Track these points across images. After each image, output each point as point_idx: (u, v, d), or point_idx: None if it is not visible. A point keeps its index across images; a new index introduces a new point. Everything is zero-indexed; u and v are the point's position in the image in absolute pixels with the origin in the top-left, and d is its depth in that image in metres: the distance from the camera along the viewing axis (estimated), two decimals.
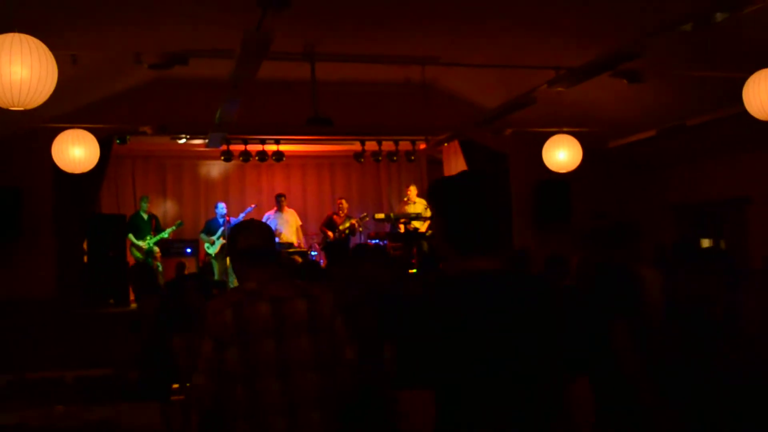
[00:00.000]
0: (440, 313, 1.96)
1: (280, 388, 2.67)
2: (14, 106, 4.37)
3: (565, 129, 8.49)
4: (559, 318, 2.01)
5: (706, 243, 10.63)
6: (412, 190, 12.27)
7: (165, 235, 11.31)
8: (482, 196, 2.06)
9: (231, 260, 3.30)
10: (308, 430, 2.69)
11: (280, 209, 12.13)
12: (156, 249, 11.08)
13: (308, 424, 2.69)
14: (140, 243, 10.98)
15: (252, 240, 2.94)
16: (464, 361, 1.92)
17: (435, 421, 1.92)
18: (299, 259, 9.22)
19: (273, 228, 11.19)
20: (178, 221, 11.86)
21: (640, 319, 3.70)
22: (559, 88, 6.95)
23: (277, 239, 11.77)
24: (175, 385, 4.22)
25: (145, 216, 11.33)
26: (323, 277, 5.49)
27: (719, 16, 4.88)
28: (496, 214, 2.07)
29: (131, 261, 10.80)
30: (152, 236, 11.14)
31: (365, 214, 12.30)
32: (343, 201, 12.40)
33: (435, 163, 13.82)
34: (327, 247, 11.59)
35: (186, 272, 9.85)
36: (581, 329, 2.05)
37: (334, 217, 12.13)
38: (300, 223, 12.43)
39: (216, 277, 11.27)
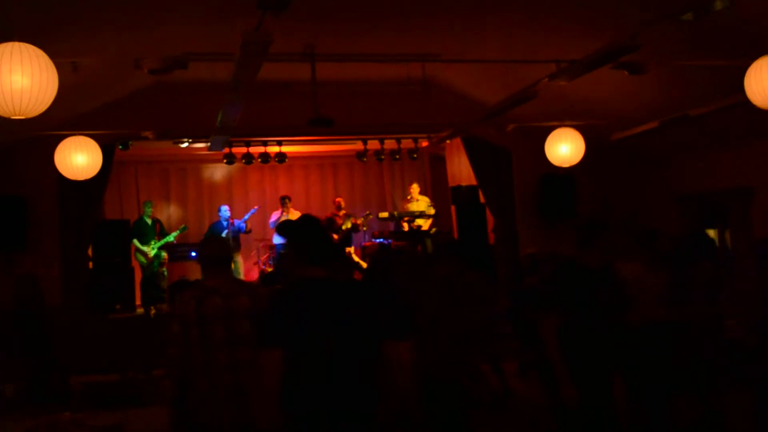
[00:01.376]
0: (284, 301, 3.18)
1: (227, 356, 3.73)
2: (15, 115, 4.37)
3: (567, 122, 8.45)
4: (360, 305, 3.15)
5: (711, 234, 10.60)
6: (415, 188, 12.26)
7: (170, 239, 11.31)
8: (312, 231, 3.30)
9: (199, 264, 4.41)
10: (245, 383, 3.72)
11: (285, 211, 12.12)
12: (164, 254, 11.08)
13: (245, 379, 3.71)
14: (144, 248, 10.98)
15: (212, 250, 4.03)
16: (293, 332, 3.03)
17: (283, 375, 3.00)
18: None
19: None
20: (182, 225, 11.85)
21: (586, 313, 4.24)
22: (561, 82, 6.91)
23: (282, 240, 11.85)
24: None
25: (149, 221, 11.32)
26: None
27: (719, 4, 4.84)
28: (322, 242, 3.28)
29: (136, 266, 10.80)
30: (156, 241, 11.13)
31: (369, 212, 12.26)
32: (341, 200, 12.36)
33: (438, 159, 13.81)
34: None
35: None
36: (377, 312, 3.15)
37: (335, 218, 12.08)
38: None
39: None
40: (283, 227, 3.48)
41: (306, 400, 3.05)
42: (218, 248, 4.03)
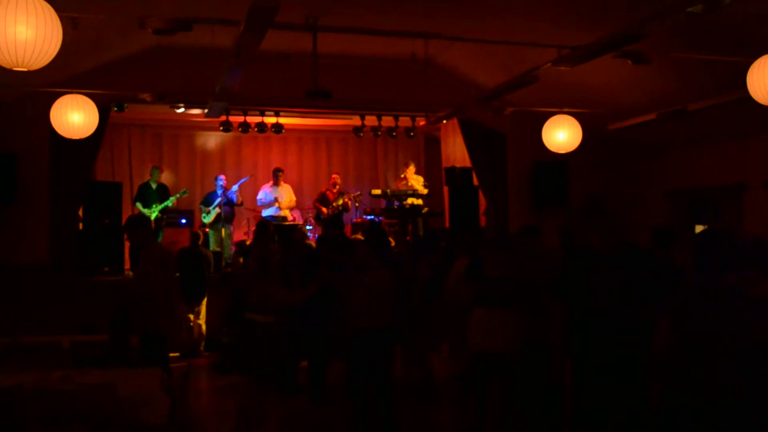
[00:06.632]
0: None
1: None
2: (18, 67, 4.32)
3: (565, 110, 8.45)
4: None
5: (700, 229, 10.66)
6: (411, 168, 12.26)
7: (169, 203, 11.32)
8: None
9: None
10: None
11: (276, 183, 12.11)
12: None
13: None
14: (146, 211, 11.02)
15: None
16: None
17: None
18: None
19: (270, 200, 11.49)
20: (183, 189, 11.77)
21: None
22: (563, 67, 6.90)
23: (276, 211, 11.89)
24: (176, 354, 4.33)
25: (154, 185, 11.38)
26: None
27: None
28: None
29: None
30: (158, 205, 11.18)
31: (359, 192, 12.34)
32: (337, 177, 12.38)
33: (432, 140, 13.82)
34: (322, 220, 11.65)
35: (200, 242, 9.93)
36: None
37: (328, 193, 12.14)
38: (294, 198, 12.40)
39: (211, 246, 11.26)
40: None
41: None
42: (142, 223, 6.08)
